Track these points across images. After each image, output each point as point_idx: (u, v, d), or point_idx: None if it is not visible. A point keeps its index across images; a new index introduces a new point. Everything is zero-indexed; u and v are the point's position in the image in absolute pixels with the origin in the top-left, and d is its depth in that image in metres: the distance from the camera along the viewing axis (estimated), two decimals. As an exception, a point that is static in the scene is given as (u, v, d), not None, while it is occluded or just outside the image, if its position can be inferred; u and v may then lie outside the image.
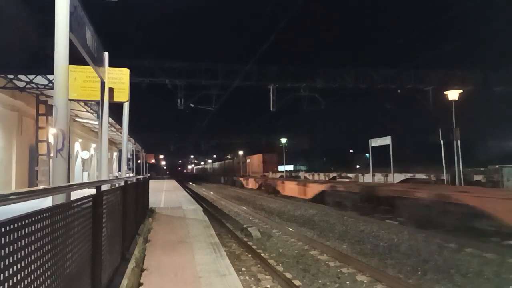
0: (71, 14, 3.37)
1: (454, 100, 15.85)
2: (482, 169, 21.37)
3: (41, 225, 1.86)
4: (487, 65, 33.29)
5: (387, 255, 8.87)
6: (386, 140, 19.96)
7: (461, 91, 16.06)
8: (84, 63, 5.01)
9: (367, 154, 24.38)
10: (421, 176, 22.36)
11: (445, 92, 16.34)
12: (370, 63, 28.91)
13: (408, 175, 23.46)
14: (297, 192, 23.94)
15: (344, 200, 17.54)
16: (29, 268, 1.71)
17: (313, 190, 21.57)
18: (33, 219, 1.75)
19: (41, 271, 1.86)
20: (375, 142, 21.13)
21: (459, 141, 15.39)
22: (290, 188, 25.63)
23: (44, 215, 1.90)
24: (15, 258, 1.56)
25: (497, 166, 16.62)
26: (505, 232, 9.37)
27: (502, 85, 33.16)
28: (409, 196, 12.79)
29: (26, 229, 1.67)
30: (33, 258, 1.75)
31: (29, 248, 1.71)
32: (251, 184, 37.93)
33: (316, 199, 20.58)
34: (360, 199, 15.92)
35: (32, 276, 1.75)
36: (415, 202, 12.39)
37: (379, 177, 24.70)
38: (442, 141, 15.85)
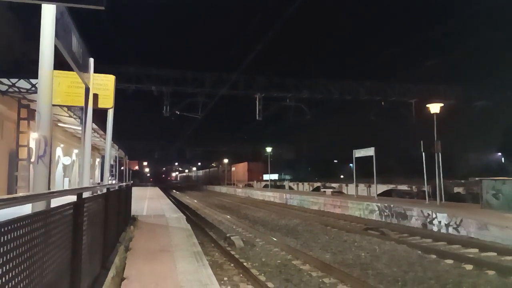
0: (57, 20, 3.36)
1: (436, 113, 16.16)
2: (462, 181, 21.84)
3: (20, 233, 1.84)
4: (468, 80, 34.38)
5: (368, 265, 8.94)
6: (370, 151, 20.18)
7: (442, 104, 16.38)
8: (68, 67, 4.96)
9: (351, 165, 24.61)
10: (403, 187, 22.68)
11: (426, 105, 16.66)
12: (355, 76, 29.48)
13: (391, 186, 23.77)
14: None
15: None
16: (6, 276, 1.69)
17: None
18: (11, 226, 1.74)
19: (18, 279, 1.84)
20: (359, 153, 21.34)
21: (440, 154, 15.68)
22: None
23: (23, 222, 1.88)
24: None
25: (476, 179, 16.94)
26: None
27: (483, 100, 34.19)
28: None
29: (4, 237, 1.66)
30: (10, 266, 1.73)
31: (7, 256, 1.69)
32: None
33: None
34: None
35: (9, 284, 1.72)
36: None
37: (362, 188, 25.00)
38: (423, 153, 16.11)
